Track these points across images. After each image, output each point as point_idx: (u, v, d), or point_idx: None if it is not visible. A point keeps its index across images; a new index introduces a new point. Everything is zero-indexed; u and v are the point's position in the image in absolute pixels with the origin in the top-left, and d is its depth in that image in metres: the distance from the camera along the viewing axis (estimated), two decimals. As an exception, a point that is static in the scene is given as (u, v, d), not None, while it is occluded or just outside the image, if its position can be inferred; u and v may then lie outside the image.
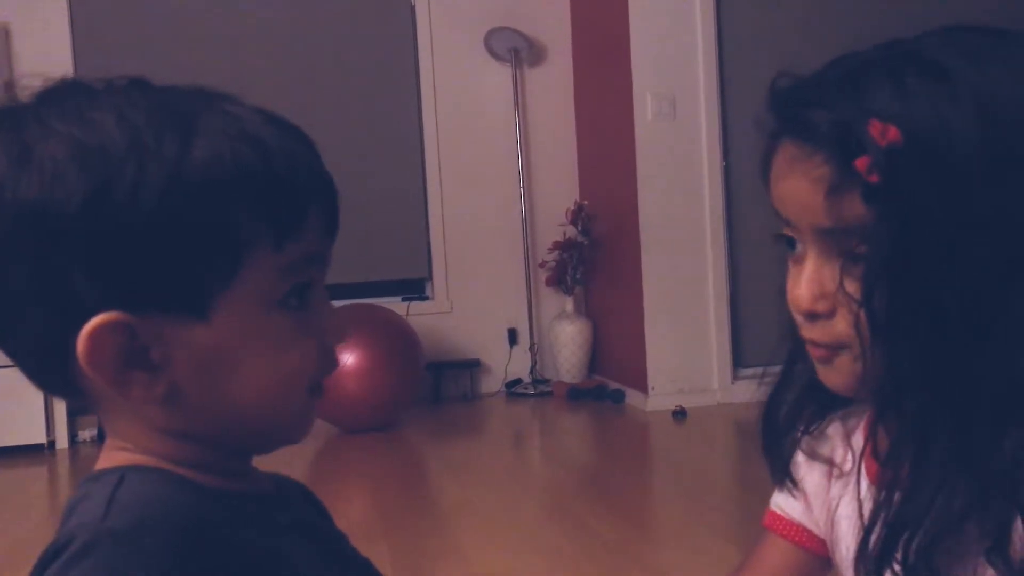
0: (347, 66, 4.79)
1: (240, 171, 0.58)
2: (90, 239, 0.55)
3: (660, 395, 4.18)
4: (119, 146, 0.56)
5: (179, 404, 0.60)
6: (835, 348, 0.72)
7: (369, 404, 3.93)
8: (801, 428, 0.86)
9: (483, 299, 4.92)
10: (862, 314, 0.68)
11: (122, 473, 0.59)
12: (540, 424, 4.40)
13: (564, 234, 4.75)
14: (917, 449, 0.69)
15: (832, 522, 0.85)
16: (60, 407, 4.05)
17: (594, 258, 4.76)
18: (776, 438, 0.87)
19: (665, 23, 4.18)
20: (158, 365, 0.59)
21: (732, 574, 0.95)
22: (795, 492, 0.89)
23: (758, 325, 4.15)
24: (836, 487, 0.85)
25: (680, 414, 4.05)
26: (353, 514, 2.90)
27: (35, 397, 3.86)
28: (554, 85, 4.99)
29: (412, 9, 4.88)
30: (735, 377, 4.23)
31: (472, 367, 4.87)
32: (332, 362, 0.66)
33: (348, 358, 3.81)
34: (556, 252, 4.76)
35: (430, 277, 4.95)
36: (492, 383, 4.91)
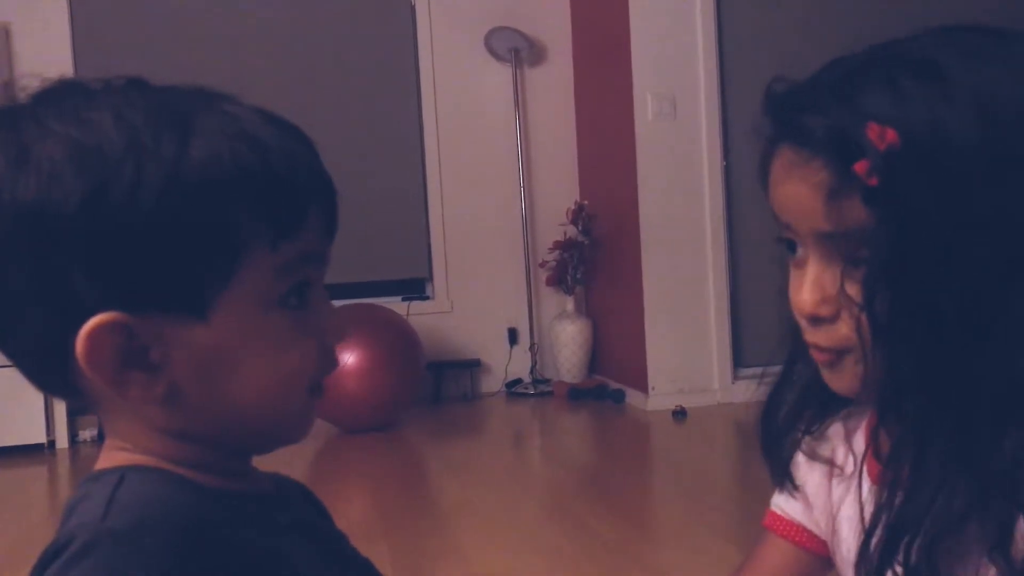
0: (347, 66, 4.79)
1: (238, 171, 0.58)
2: (88, 239, 0.55)
3: (660, 395, 4.18)
4: (117, 146, 0.56)
5: (178, 404, 0.60)
6: (839, 352, 0.72)
7: (369, 404, 3.92)
8: (802, 429, 0.86)
9: (483, 299, 4.92)
10: (863, 317, 0.68)
11: (122, 473, 0.59)
12: (540, 424, 4.40)
13: (564, 234, 4.75)
14: (917, 450, 0.69)
15: (834, 523, 0.85)
16: (60, 407, 4.05)
17: (594, 258, 4.76)
18: (775, 440, 0.87)
19: (665, 23, 4.18)
20: (157, 365, 0.59)
21: (732, 574, 0.95)
22: (795, 493, 0.89)
23: (758, 325, 4.15)
24: (838, 488, 0.85)
25: (680, 414, 4.05)
26: (353, 514, 2.90)
27: (35, 397, 3.86)
28: (554, 85, 4.99)
29: (412, 9, 4.88)
30: (735, 377, 4.23)
31: (472, 367, 4.87)
32: (332, 362, 0.65)
33: (348, 358, 3.81)
34: (556, 252, 4.76)
35: (430, 277, 4.95)
36: (492, 383, 4.91)
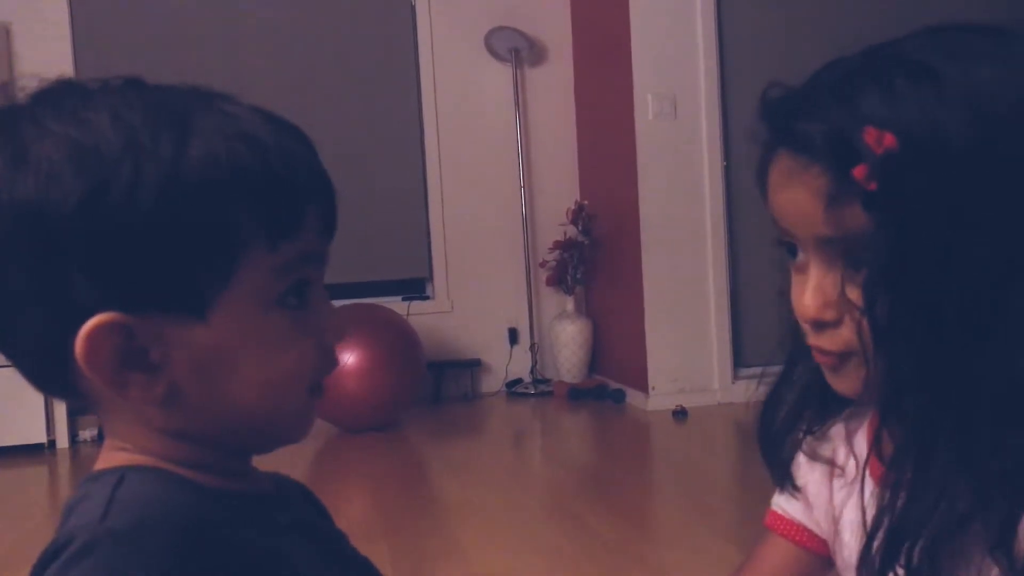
0: (347, 66, 4.79)
1: (237, 171, 0.58)
2: (87, 239, 0.55)
3: (660, 395, 4.18)
4: (115, 146, 0.56)
5: (178, 404, 0.60)
6: (843, 355, 0.72)
7: (369, 404, 3.92)
8: (802, 429, 0.86)
9: (484, 299, 4.92)
10: (865, 321, 0.68)
11: (122, 473, 0.59)
12: (540, 424, 4.40)
13: (564, 234, 4.75)
14: (920, 452, 0.69)
15: (836, 527, 0.85)
16: (60, 407, 4.05)
17: (594, 258, 4.76)
18: (773, 441, 0.87)
19: (666, 23, 4.18)
20: (157, 365, 0.58)
21: (733, 574, 0.95)
22: (796, 494, 0.89)
23: (758, 325, 4.15)
24: (840, 492, 0.85)
25: (681, 414, 4.05)
26: (353, 514, 2.90)
27: (36, 397, 3.86)
28: (555, 85, 4.99)
29: (412, 9, 4.87)
30: (735, 377, 4.23)
31: (473, 367, 4.87)
32: (332, 361, 0.65)
33: (349, 358, 3.81)
34: (556, 252, 4.76)
35: (430, 277, 4.95)
36: (493, 383, 4.91)
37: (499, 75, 4.91)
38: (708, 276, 4.23)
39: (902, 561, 0.70)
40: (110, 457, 0.62)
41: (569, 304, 4.82)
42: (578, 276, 4.78)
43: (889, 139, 0.63)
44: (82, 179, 0.55)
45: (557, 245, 4.74)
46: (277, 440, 0.66)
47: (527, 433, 4.35)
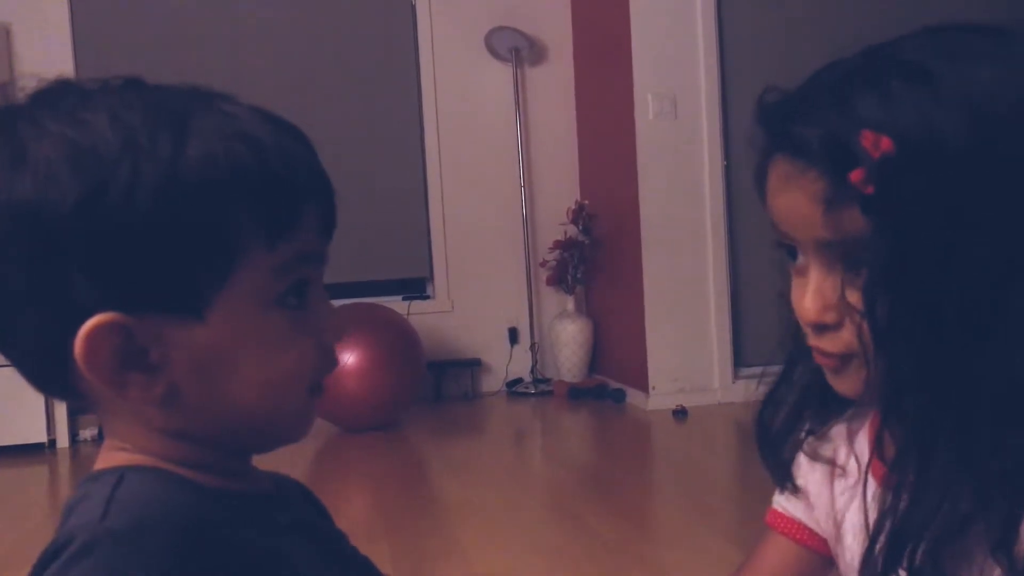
0: (347, 66, 4.79)
1: (235, 171, 0.58)
2: (85, 240, 0.55)
3: (661, 394, 4.18)
4: (113, 147, 0.56)
5: (178, 405, 0.60)
6: (844, 357, 0.72)
7: (370, 403, 3.92)
8: (803, 429, 0.86)
9: (484, 298, 4.92)
10: (864, 324, 0.68)
11: (121, 473, 0.59)
12: (541, 423, 4.40)
13: (565, 233, 4.75)
14: (922, 454, 0.69)
15: (839, 530, 0.85)
16: (61, 406, 4.05)
17: (595, 257, 4.76)
18: (771, 443, 0.87)
19: (666, 23, 4.18)
20: (156, 366, 0.58)
21: (735, 572, 0.95)
22: (796, 494, 0.89)
23: (759, 324, 4.15)
24: (841, 496, 0.85)
25: (681, 413, 4.05)
26: (354, 513, 2.90)
27: (36, 396, 3.84)
28: (555, 84, 4.98)
29: (412, 8, 4.87)
30: (736, 376, 4.23)
31: (473, 366, 4.87)
32: (331, 361, 0.65)
33: (349, 357, 3.81)
34: (557, 251, 4.76)
35: (431, 276, 4.95)
36: (493, 382, 4.91)
37: (499, 75, 4.91)
38: (708, 276, 4.23)
39: (905, 564, 0.70)
40: (109, 457, 0.62)
41: (569, 304, 4.82)
42: (578, 276, 4.78)
43: (886, 143, 0.63)
44: (80, 179, 0.55)
45: (557, 245, 4.74)
46: (277, 440, 0.66)
47: (527, 433, 4.35)
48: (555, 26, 4.96)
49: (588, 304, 4.93)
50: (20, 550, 2.54)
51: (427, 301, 4.89)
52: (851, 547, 0.82)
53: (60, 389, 0.62)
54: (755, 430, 0.87)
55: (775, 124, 0.71)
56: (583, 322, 4.77)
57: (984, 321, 0.65)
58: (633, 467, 3.48)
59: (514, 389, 4.85)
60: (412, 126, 4.90)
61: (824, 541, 0.89)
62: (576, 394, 4.62)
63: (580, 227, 4.71)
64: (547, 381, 4.84)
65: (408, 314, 4.59)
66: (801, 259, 0.73)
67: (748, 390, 3.90)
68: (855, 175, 0.64)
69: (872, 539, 0.73)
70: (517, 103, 4.87)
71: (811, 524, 0.89)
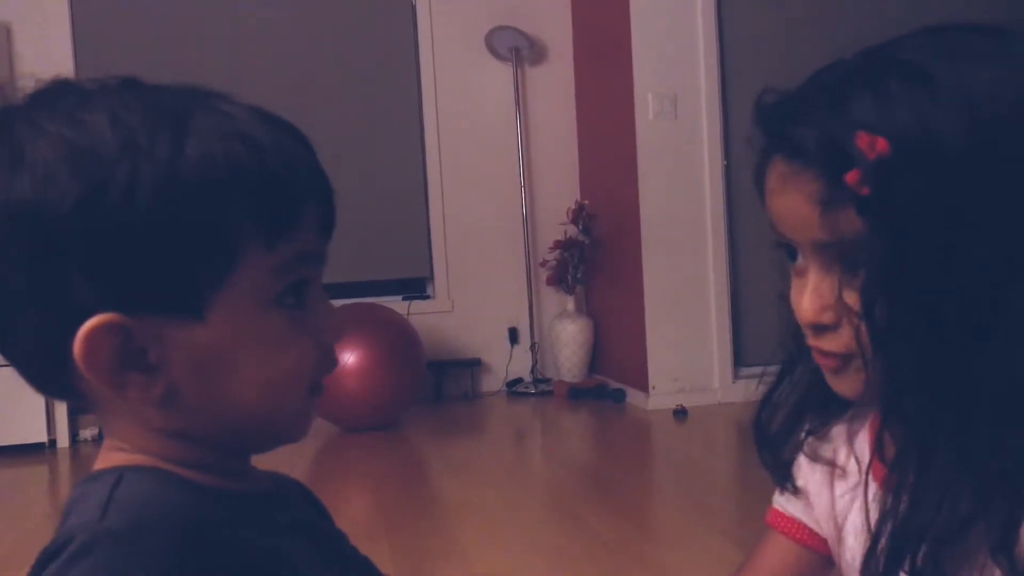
0: (347, 66, 4.79)
1: (234, 170, 0.58)
2: (84, 240, 0.55)
3: (661, 394, 4.18)
4: (111, 147, 0.56)
5: (177, 405, 0.60)
6: (845, 357, 0.72)
7: (370, 403, 3.92)
8: (804, 430, 0.86)
9: (484, 298, 4.92)
10: (862, 325, 0.68)
11: (120, 473, 0.59)
12: (541, 423, 4.40)
13: (565, 233, 4.75)
14: (922, 455, 0.69)
15: (838, 529, 0.85)
16: (61, 406, 4.05)
17: (595, 257, 4.76)
18: (770, 443, 0.87)
19: (666, 22, 4.18)
20: (155, 366, 0.58)
21: (735, 573, 0.95)
22: (796, 495, 0.89)
23: (759, 324, 4.15)
24: (842, 499, 0.85)
25: (681, 413, 4.04)
26: (354, 513, 2.90)
27: (36, 396, 3.77)
28: (555, 84, 4.98)
29: (413, 8, 4.87)
30: (736, 376, 4.23)
31: (473, 366, 4.87)
32: (331, 361, 0.65)
33: (349, 357, 3.81)
34: (557, 251, 4.76)
35: (431, 276, 4.95)
36: (493, 382, 4.91)
37: (499, 74, 4.91)
38: (708, 276, 4.23)
39: (906, 565, 0.70)
40: (108, 457, 0.62)
41: (569, 304, 4.82)
42: (578, 276, 4.78)
43: (881, 144, 0.63)
44: (79, 180, 0.55)
45: (557, 245, 4.74)
46: (277, 440, 0.66)
47: (527, 433, 4.35)
48: (555, 26, 4.96)
49: (588, 304, 4.92)
50: (20, 550, 2.54)
51: (427, 301, 4.89)
52: (852, 548, 0.82)
53: (59, 389, 0.62)
54: (753, 431, 0.87)
55: (773, 125, 0.71)
56: (583, 322, 4.77)
57: (983, 322, 0.65)
58: (633, 467, 3.48)
59: (514, 389, 4.85)
60: (412, 126, 4.90)
61: (824, 541, 0.89)
62: (576, 394, 4.62)
63: (580, 227, 4.71)
64: (547, 381, 4.84)
65: (408, 314, 4.59)
66: (800, 260, 0.73)
67: (748, 390, 3.90)
68: (850, 176, 0.64)
69: (873, 540, 0.73)
70: (517, 103, 4.87)
71: (811, 524, 0.89)
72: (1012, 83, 0.66)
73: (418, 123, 4.89)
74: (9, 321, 0.58)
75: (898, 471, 0.71)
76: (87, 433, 4.17)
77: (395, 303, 4.61)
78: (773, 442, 0.87)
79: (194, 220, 0.57)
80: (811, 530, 0.89)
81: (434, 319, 4.81)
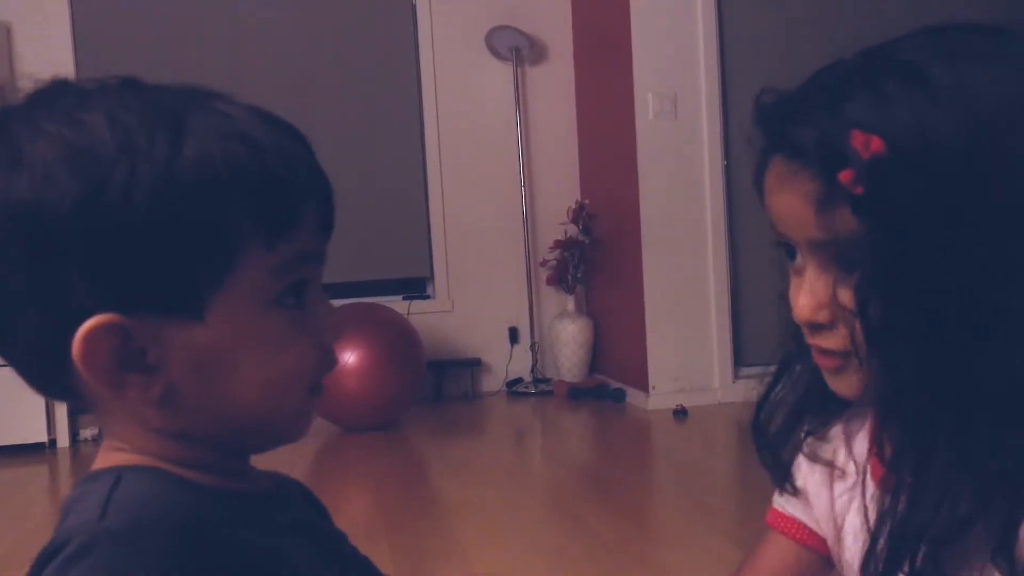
0: (347, 66, 4.79)
1: (232, 170, 0.58)
2: (83, 241, 0.55)
3: (661, 394, 4.17)
4: (110, 147, 0.56)
5: (176, 405, 0.60)
6: (844, 354, 0.72)
7: (370, 403, 3.92)
8: (803, 431, 0.86)
9: (484, 298, 4.92)
10: (857, 324, 0.68)
11: (119, 473, 0.59)
12: (541, 423, 4.40)
13: (565, 233, 4.75)
14: (919, 456, 0.69)
15: (837, 529, 0.85)
16: (61, 406, 4.05)
17: (595, 257, 4.76)
18: (769, 444, 0.87)
19: (666, 22, 4.18)
20: (154, 366, 0.58)
21: (735, 573, 0.95)
22: (796, 495, 0.89)
23: (759, 324, 4.15)
24: (841, 498, 0.85)
25: (681, 413, 4.04)
26: (354, 513, 2.90)
27: (36, 396, 3.82)
28: (555, 84, 4.98)
29: (413, 8, 4.87)
30: (736, 376, 4.23)
31: (473, 366, 4.87)
32: (331, 360, 0.65)
33: (349, 357, 3.81)
34: (557, 251, 4.76)
35: (431, 276, 4.95)
36: (493, 382, 4.91)
37: (499, 74, 4.91)
38: (708, 275, 4.23)
39: (906, 566, 0.70)
40: (107, 457, 0.62)
41: (569, 303, 4.82)
42: (578, 275, 4.77)
43: (876, 143, 0.63)
44: (77, 180, 0.55)
45: (557, 244, 4.74)
46: (276, 439, 0.66)
47: (527, 433, 4.35)
48: (555, 25, 4.96)
49: (588, 304, 4.92)
50: (20, 550, 2.54)
51: (427, 301, 4.89)
52: (851, 548, 0.82)
53: (59, 390, 0.61)
54: (752, 432, 0.87)
55: (773, 125, 0.71)
56: (583, 322, 4.77)
57: (978, 323, 0.65)
58: (633, 467, 3.48)
59: (514, 389, 4.85)
60: (412, 126, 4.90)
61: (824, 541, 0.89)
62: (576, 394, 4.62)
63: (580, 227, 4.71)
64: (547, 381, 4.84)
65: (408, 314, 4.59)
66: (799, 259, 0.73)
67: (748, 390, 3.89)
68: (844, 175, 0.64)
69: (872, 541, 0.73)
70: (517, 102, 4.87)
71: (811, 524, 0.89)
72: (1011, 83, 0.66)
73: (418, 123, 4.89)
74: (8, 321, 0.58)
75: (895, 471, 0.71)
76: (87, 433, 4.17)
77: (395, 303, 4.61)
78: (772, 442, 0.87)
79: (193, 220, 0.57)
80: (810, 530, 0.90)
81: (434, 319, 4.81)
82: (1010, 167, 0.64)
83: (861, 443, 0.83)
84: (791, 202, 0.69)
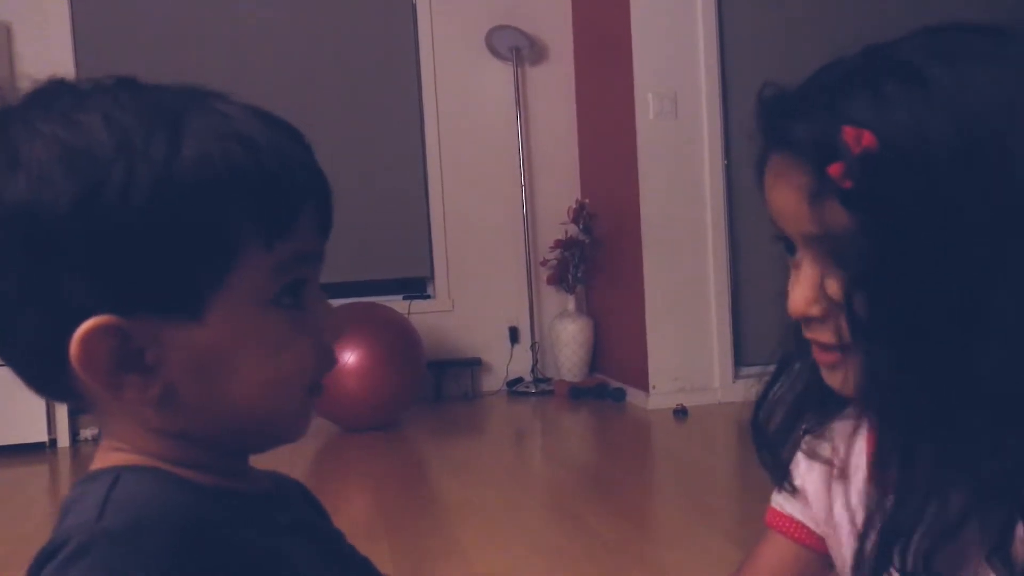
0: (347, 66, 4.79)
1: (230, 170, 0.58)
2: (80, 241, 0.55)
3: (661, 394, 4.17)
4: (107, 148, 0.56)
5: (175, 405, 0.60)
6: (841, 350, 0.72)
7: (370, 403, 3.92)
8: (803, 428, 0.86)
9: (484, 298, 4.92)
10: (842, 318, 0.68)
11: (117, 473, 0.58)
12: (541, 423, 4.40)
13: (565, 233, 4.75)
14: (903, 453, 0.69)
15: (834, 526, 0.85)
16: (62, 406, 4.05)
17: (595, 257, 4.76)
18: (769, 442, 0.87)
19: (666, 22, 4.18)
20: (152, 367, 0.58)
21: (735, 573, 0.95)
22: (795, 494, 0.89)
23: (759, 324, 4.15)
24: (840, 497, 0.85)
25: (681, 413, 4.04)
26: (354, 513, 2.90)
27: (36, 396, 3.85)
28: (555, 84, 4.98)
29: (413, 8, 4.87)
30: (736, 376, 4.23)
31: (473, 366, 4.87)
32: (330, 360, 0.65)
33: (349, 357, 3.80)
34: (557, 251, 4.76)
35: (431, 276, 4.95)
36: (493, 382, 4.91)
37: (500, 74, 4.91)
38: (709, 275, 4.23)
39: (896, 564, 0.70)
40: (106, 457, 0.62)
41: (570, 303, 4.82)
42: (579, 275, 4.77)
43: (867, 138, 0.64)
44: (74, 181, 0.55)
45: (558, 244, 4.74)
46: (276, 439, 0.66)
47: (527, 432, 4.35)
48: (555, 25, 4.96)
49: (588, 303, 4.92)
50: (20, 550, 2.54)
51: (427, 300, 4.89)
52: (848, 546, 0.82)
53: (58, 390, 0.61)
54: (751, 430, 0.87)
55: (771, 120, 0.72)
56: (583, 321, 4.77)
57: (964, 321, 0.65)
58: (633, 467, 3.48)
59: (514, 389, 4.85)
60: (412, 126, 4.90)
61: (823, 540, 0.89)
62: (576, 394, 4.62)
63: (580, 226, 4.71)
64: (547, 381, 4.84)
65: (408, 313, 4.59)
66: (797, 254, 0.73)
67: (748, 390, 3.89)
68: (833, 168, 0.64)
69: (862, 537, 0.73)
70: (517, 102, 4.87)
71: (809, 523, 0.90)
72: (1011, 84, 0.66)
73: (418, 123, 4.89)
74: (7, 322, 0.58)
75: (881, 468, 0.72)
76: (88, 433, 4.17)
77: (395, 302, 4.61)
78: (771, 441, 0.87)
79: (192, 220, 0.57)
80: (809, 529, 0.90)
81: (434, 319, 4.81)
82: (1009, 167, 0.64)
83: (860, 441, 0.83)
84: (787, 196, 0.70)
